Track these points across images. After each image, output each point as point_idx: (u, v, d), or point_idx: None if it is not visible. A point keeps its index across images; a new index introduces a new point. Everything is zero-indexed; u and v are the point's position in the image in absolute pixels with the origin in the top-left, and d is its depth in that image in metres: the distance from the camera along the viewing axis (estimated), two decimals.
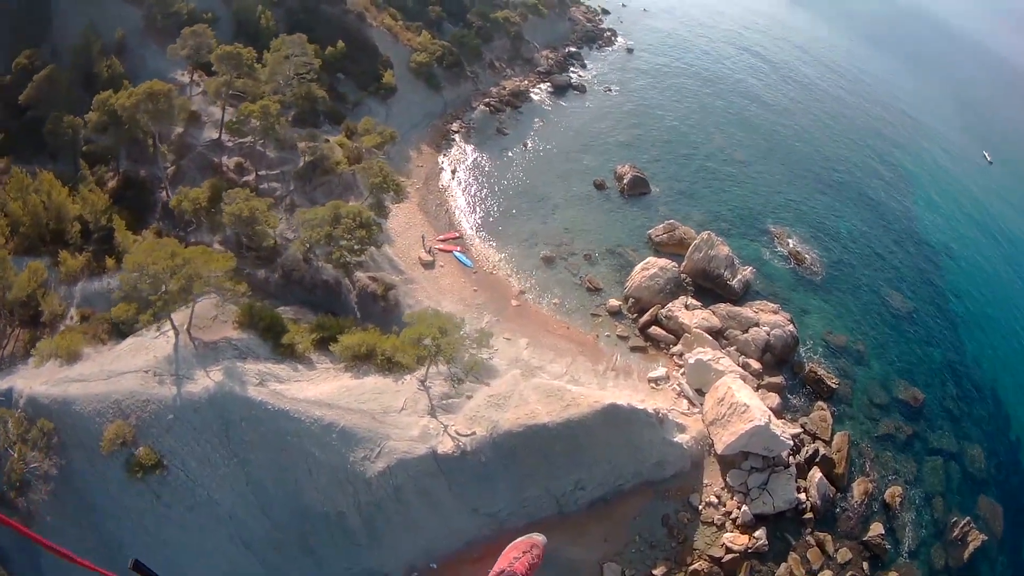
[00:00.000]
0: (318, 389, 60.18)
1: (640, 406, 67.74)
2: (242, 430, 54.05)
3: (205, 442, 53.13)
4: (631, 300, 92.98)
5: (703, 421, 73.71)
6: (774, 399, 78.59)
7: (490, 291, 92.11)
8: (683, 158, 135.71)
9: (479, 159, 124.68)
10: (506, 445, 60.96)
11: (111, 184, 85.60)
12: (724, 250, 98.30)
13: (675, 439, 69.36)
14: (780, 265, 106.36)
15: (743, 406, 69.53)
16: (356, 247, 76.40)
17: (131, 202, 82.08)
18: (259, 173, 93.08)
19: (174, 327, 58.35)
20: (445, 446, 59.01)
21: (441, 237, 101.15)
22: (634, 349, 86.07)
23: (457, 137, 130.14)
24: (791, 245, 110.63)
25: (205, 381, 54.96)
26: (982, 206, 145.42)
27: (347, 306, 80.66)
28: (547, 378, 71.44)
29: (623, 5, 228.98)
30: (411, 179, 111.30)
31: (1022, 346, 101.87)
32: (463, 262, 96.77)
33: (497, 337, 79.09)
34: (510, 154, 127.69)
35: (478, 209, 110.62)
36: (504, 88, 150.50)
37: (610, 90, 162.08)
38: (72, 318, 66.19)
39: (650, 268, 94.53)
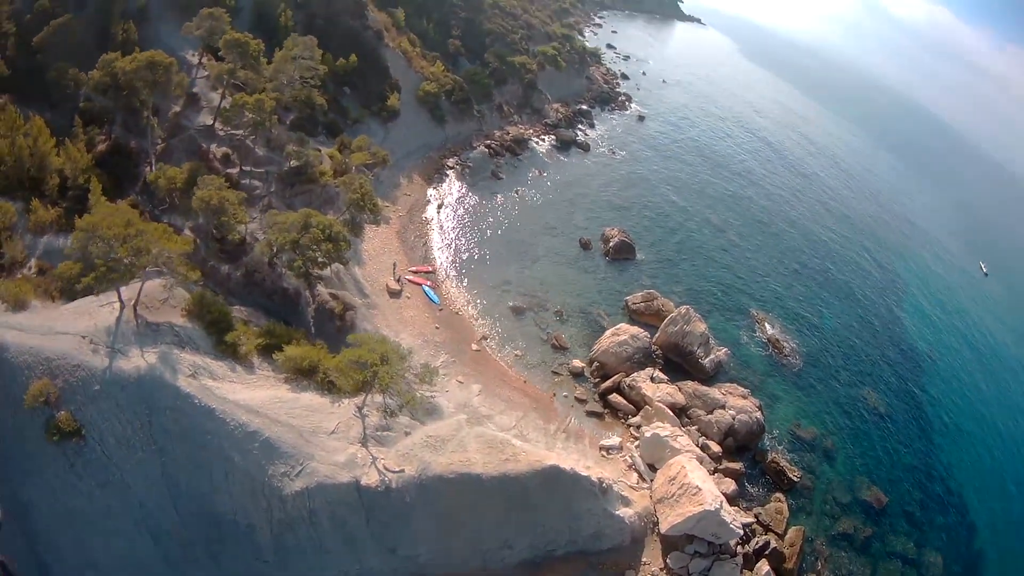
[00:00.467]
0: (250, 394, 57.55)
1: (584, 472, 63.70)
2: (166, 418, 52.25)
3: (127, 422, 51.56)
4: (596, 364, 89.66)
5: (651, 497, 69.53)
6: (730, 485, 74.87)
7: (452, 331, 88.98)
8: (674, 230, 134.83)
9: (468, 198, 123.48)
10: (434, 489, 57.37)
11: (100, 147, 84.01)
12: (701, 327, 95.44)
13: (617, 512, 65.06)
14: (757, 351, 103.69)
15: (695, 488, 65.55)
16: (320, 259, 73.87)
17: (115, 169, 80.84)
18: (243, 168, 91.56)
19: (120, 300, 56.83)
20: (370, 478, 55.60)
21: (413, 268, 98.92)
22: (590, 414, 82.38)
23: (451, 173, 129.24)
24: (771, 332, 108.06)
25: (138, 361, 53.30)
26: (971, 318, 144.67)
27: (303, 319, 77.98)
28: (494, 429, 67.85)
29: (643, 73, 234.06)
30: (395, 206, 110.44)
31: (993, 462, 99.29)
32: (430, 297, 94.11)
33: (449, 379, 76.65)
34: (500, 199, 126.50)
35: (457, 247, 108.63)
36: (508, 133, 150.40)
37: (615, 153, 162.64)
38: (31, 268, 65.80)
39: (621, 335, 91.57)
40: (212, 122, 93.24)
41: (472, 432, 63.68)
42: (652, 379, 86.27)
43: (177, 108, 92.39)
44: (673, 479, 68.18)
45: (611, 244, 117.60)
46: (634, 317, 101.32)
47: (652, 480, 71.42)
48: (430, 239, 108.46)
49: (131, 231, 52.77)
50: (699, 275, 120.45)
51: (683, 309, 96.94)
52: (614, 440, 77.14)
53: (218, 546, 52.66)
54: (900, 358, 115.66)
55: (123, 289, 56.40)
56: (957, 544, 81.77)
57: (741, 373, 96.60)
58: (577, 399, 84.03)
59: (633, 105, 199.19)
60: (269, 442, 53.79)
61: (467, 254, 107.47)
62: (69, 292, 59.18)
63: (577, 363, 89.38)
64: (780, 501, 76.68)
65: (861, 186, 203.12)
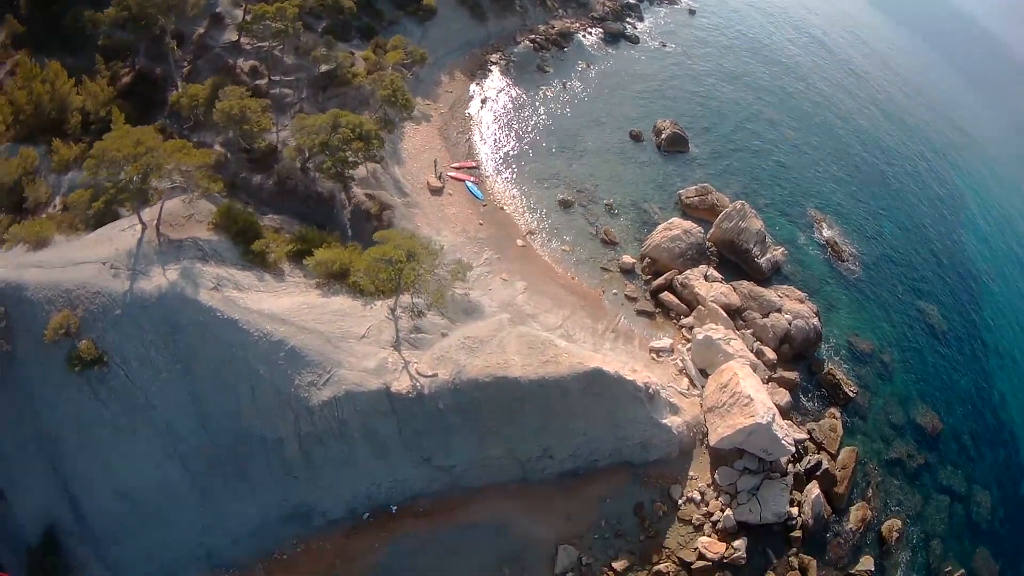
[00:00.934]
0: (277, 302, 55.46)
1: (630, 377, 59.64)
2: (188, 335, 50.24)
3: (150, 343, 49.69)
4: (647, 260, 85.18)
5: (701, 406, 65.80)
6: (783, 396, 70.38)
7: (496, 227, 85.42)
8: (728, 124, 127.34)
9: (513, 92, 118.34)
10: (469, 394, 54.52)
11: (125, 79, 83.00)
12: (757, 224, 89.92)
13: (664, 421, 61.21)
14: (815, 253, 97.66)
15: (747, 398, 61.35)
16: (351, 159, 71.17)
17: (141, 98, 79.33)
18: (272, 78, 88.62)
19: (141, 221, 54.86)
20: (400, 384, 52.98)
21: (456, 164, 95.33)
22: (640, 313, 78.44)
23: (494, 68, 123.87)
24: (829, 234, 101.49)
25: (159, 279, 51.45)
26: None
27: (339, 222, 75.11)
28: (538, 328, 64.57)
29: None
30: (436, 104, 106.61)
31: None
32: (474, 193, 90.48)
33: (493, 276, 73.55)
34: (547, 92, 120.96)
35: (502, 141, 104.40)
36: (552, 27, 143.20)
37: (665, 45, 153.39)
38: (56, 206, 64.58)
39: (673, 229, 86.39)
40: (237, 38, 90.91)
41: (513, 332, 60.33)
42: (706, 277, 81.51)
43: (201, 29, 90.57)
44: (725, 387, 64.21)
45: (663, 136, 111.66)
46: (687, 212, 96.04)
47: (703, 387, 67.60)
48: (473, 135, 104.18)
49: (140, 150, 50.94)
50: (754, 170, 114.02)
51: (738, 204, 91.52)
52: (665, 342, 73.19)
53: (248, 462, 50.89)
54: (957, 277, 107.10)
55: (147, 210, 55.25)
56: (1008, 484, 76.30)
57: (798, 275, 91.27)
58: (627, 297, 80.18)
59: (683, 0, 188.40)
60: (295, 351, 51.59)
61: (512, 148, 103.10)
62: (94, 222, 57.92)
63: (627, 259, 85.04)
64: (834, 417, 72.34)
65: (917, 92, 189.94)
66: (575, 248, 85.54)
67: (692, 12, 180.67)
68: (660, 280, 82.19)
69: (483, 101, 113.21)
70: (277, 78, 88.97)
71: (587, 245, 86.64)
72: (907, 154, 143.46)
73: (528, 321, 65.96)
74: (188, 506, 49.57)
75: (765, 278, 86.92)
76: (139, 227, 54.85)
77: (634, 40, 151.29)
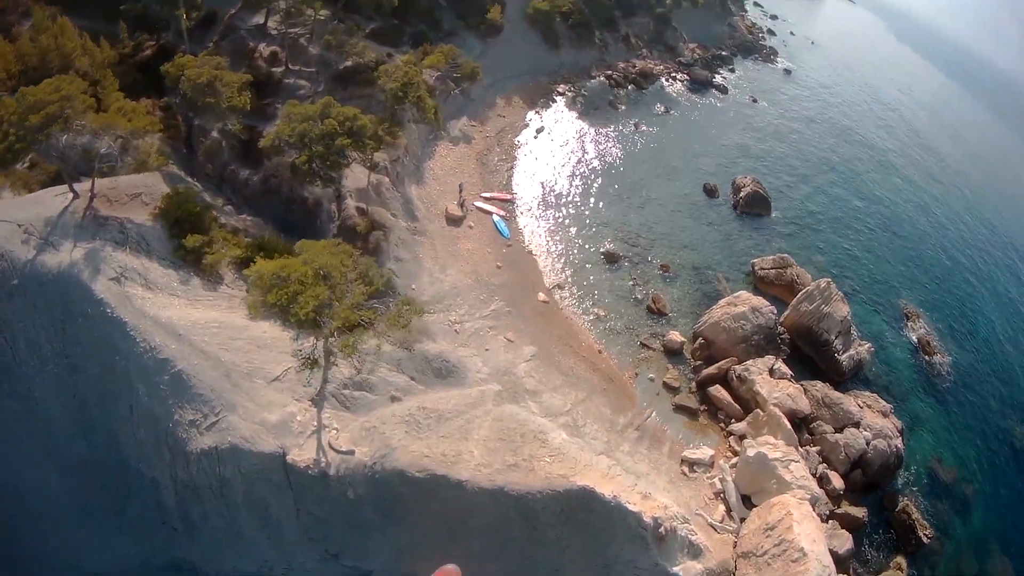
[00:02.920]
0: (185, 313, 45.75)
1: (634, 507, 42.03)
2: (78, 327, 42.65)
3: (40, 326, 42.85)
4: (700, 341, 68.65)
5: (734, 546, 48.85)
6: (845, 541, 53.19)
7: (517, 273, 71.05)
8: (819, 194, 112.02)
9: (577, 126, 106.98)
10: (391, 488, 41.03)
11: (147, 51, 79.31)
12: (843, 310, 72.97)
13: (676, 568, 43.34)
14: (903, 355, 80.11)
15: (798, 551, 44.34)
16: (332, 158, 58.52)
17: (155, 71, 71.79)
18: (291, 67, 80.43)
19: (72, 189, 48.64)
20: (302, 454, 40.56)
21: (488, 194, 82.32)
22: (679, 409, 61.92)
23: (560, 99, 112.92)
24: (922, 333, 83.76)
25: (65, 256, 44.19)
26: None
27: (322, 235, 61.88)
28: (534, 411, 49.42)
29: (791, 33, 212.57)
30: (483, 126, 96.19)
31: None
32: (500, 229, 77.22)
33: (496, 334, 59.07)
34: (614, 131, 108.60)
35: (550, 176, 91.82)
36: (634, 65, 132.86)
37: (756, 101, 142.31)
38: (25, 163, 58.53)
39: (739, 305, 70.26)
40: (264, 20, 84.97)
41: (493, 412, 45.99)
42: (771, 372, 64.86)
43: (232, 10, 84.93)
44: (771, 529, 47.41)
45: (742, 194, 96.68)
46: (760, 286, 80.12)
47: (742, 520, 50.87)
48: (517, 164, 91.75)
49: (54, 97, 44.72)
50: (842, 247, 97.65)
51: (823, 282, 74.56)
52: (704, 452, 56.56)
53: (127, 493, 42.30)
54: None
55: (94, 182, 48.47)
56: None
57: (882, 380, 74.30)
58: (666, 385, 63.93)
59: (779, 59, 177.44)
60: (181, 377, 41.09)
61: (561, 185, 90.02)
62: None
63: (675, 336, 68.74)
64: (900, 570, 55.80)
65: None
66: (611, 313, 69.96)
67: (788, 72, 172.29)
68: (712, 369, 65.42)
69: (539, 130, 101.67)
70: (296, 68, 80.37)
71: (627, 312, 71.06)
72: (1016, 260, 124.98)
73: (524, 399, 50.90)
74: (66, 522, 42.36)
75: (843, 380, 69.86)
76: (70, 195, 48.39)
77: (722, 90, 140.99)
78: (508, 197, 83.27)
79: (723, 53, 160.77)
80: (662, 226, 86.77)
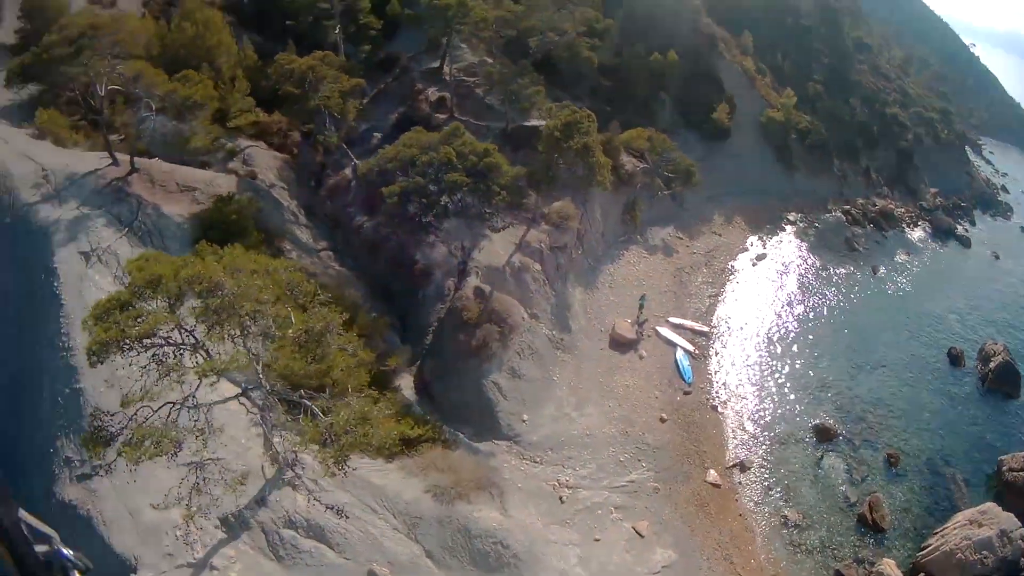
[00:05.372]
0: None
1: None
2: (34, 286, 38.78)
3: (8, 271, 40.68)
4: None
5: None
6: None
7: (686, 434, 50.64)
8: None
9: (806, 262, 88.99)
10: None
11: None
12: None
13: None
14: None
15: None
16: (433, 193, 47.95)
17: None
18: (457, 116, 69.91)
19: (111, 155, 48.08)
20: None
21: (678, 320, 64.31)
22: None
23: (790, 228, 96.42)
24: None
25: (57, 213, 41.99)
26: None
27: (421, 317, 50.42)
28: None
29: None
30: (692, 241, 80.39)
31: None
32: (681, 369, 57.76)
33: (622, 519, 39.70)
34: (849, 273, 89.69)
35: (762, 315, 73.16)
36: (874, 204, 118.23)
37: (998, 258, 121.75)
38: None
39: (983, 525, 45.88)
40: (440, 64, 79.22)
41: None
42: None
43: (411, 53, 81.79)
44: None
45: (991, 365, 71.90)
46: (1009, 495, 53.00)
47: None
48: (724, 293, 73.50)
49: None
50: None
51: None
52: None
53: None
54: None
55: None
56: None
57: None
58: None
59: (1015, 217, 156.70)
60: (79, 397, 32.29)
61: (773, 329, 70.75)
62: None
63: (889, 567, 43.72)
64: None
65: None
66: (807, 519, 46.72)
67: None
68: None
69: (758, 258, 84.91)
70: (464, 118, 68.39)
71: (830, 519, 47.44)
72: None
73: None
74: None
75: None
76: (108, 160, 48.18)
77: (965, 243, 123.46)
78: (704, 329, 64.71)
79: (963, 204, 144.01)
80: (897, 398, 63.92)
